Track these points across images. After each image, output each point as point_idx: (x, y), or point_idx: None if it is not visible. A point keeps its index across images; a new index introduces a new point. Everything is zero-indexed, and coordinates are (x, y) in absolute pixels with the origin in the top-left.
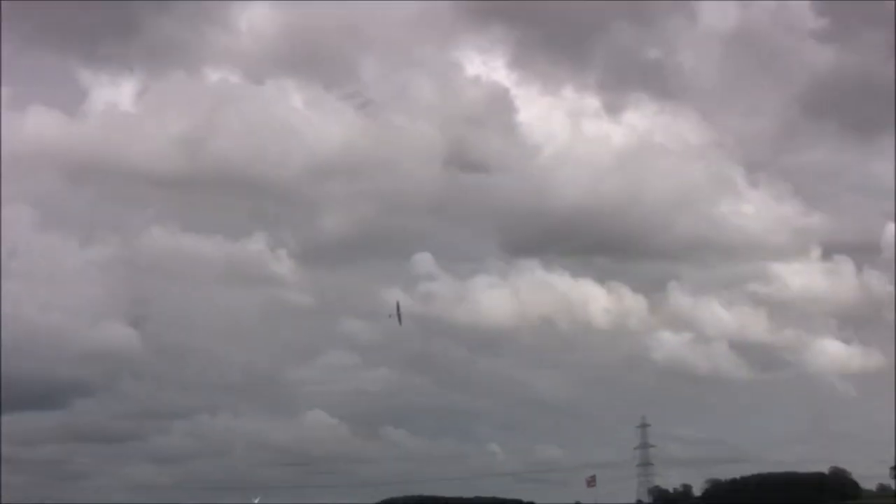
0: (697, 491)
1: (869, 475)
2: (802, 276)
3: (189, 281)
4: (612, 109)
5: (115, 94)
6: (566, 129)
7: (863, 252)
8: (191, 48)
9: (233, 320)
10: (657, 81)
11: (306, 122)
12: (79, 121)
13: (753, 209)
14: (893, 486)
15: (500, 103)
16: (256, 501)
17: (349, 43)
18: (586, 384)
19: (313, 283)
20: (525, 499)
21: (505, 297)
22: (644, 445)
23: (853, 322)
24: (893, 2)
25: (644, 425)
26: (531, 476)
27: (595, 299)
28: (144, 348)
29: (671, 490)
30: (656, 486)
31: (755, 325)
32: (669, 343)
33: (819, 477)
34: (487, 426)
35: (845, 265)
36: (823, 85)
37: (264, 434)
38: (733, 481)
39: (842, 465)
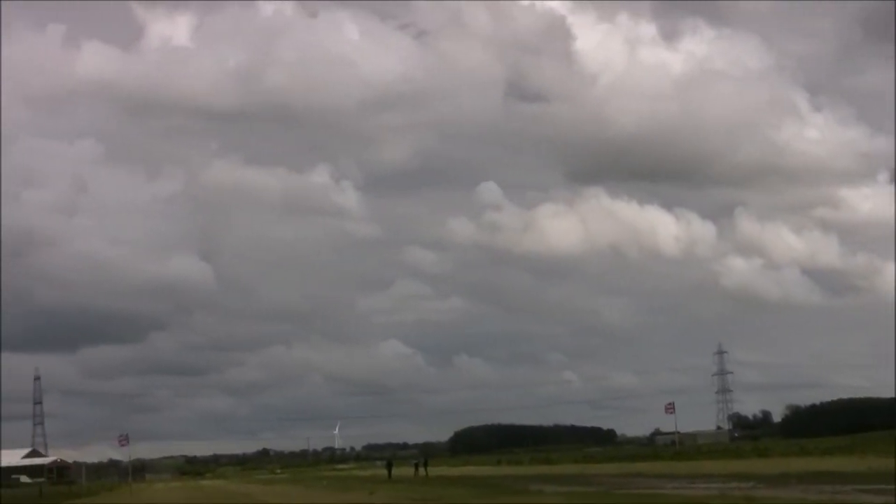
0: (777, 417)
1: None
2: (870, 201)
3: (254, 214)
4: (669, 36)
5: (170, 29)
6: (623, 56)
7: None
8: None
9: (301, 252)
10: (712, 6)
11: (362, 53)
12: (135, 56)
13: (818, 133)
14: None
15: (557, 31)
16: (336, 431)
17: None
18: (658, 312)
19: (378, 214)
20: (603, 426)
21: (571, 225)
22: (721, 372)
23: None
24: None
25: (721, 352)
26: (608, 403)
27: (663, 226)
28: (216, 281)
29: (750, 417)
30: (735, 413)
31: (825, 251)
32: (739, 269)
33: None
34: (561, 354)
35: None
36: (884, 4)
37: (339, 365)
38: (812, 406)
39: None
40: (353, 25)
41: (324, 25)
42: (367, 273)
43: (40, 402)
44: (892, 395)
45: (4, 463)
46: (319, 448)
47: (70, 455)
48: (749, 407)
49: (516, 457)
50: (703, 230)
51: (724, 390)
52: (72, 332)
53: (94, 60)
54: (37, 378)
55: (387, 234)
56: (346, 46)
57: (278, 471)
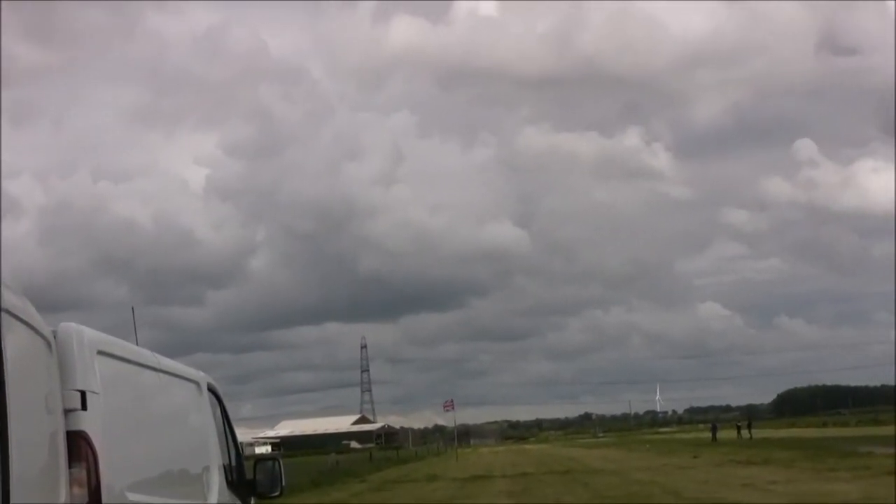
0: None
1: None
2: None
3: (568, 178)
4: None
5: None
6: None
7: None
8: None
9: (615, 216)
10: None
11: (670, 12)
12: (443, 27)
13: None
14: None
15: None
16: (657, 396)
17: None
18: None
19: (691, 175)
20: None
21: (891, 180)
22: None
23: None
24: None
25: None
26: None
27: None
28: (533, 246)
29: None
30: None
31: None
32: None
33: None
34: (887, 312)
35: None
36: None
37: (658, 327)
38: None
39: None
40: None
41: None
42: (683, 235)
43: (367, 370)
44: None
45: (335, 429)
46: (641, 412)
47: (397, 421)
48: None
49: (843, 418)
50: None
51: None
52: (395, 300)
53: (405, 32)
54: (363, 346)
55: (700, 195)
56: (653, 7)
57: (600, 435)
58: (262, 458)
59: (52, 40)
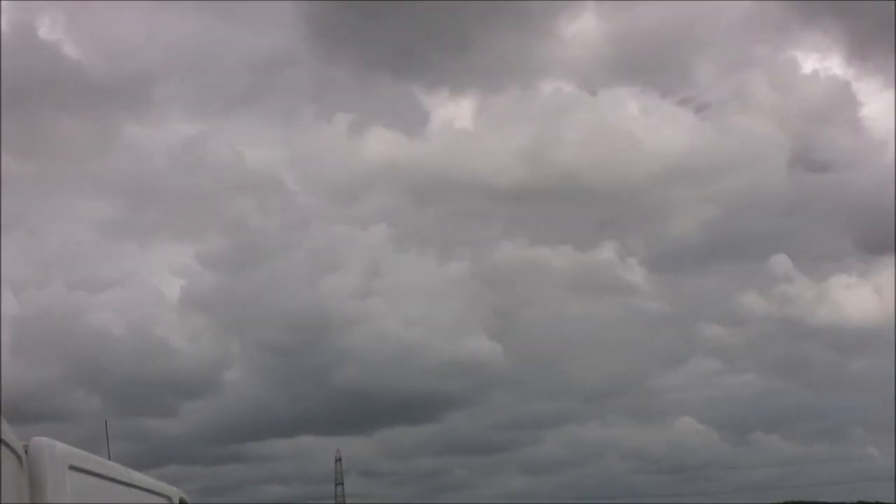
0: None
1: None
2: None
3: (543, 292)
4: None
5: (452, 113)
6: None
7: None
8: (522, 62)
9: (590, 330)
10: None
11: (645, 129)
12: (419, 141)
13: None
14: None
15: (842, 99)
16: None
17: (680, 47)
18: None
19: (667, 290)
20: None
21: (867, 295)
22: None
23: None
24: None
25: None
26: None
27: None
28: (508, 360)
29: None
30: None
31: None
32: None
33: None
34: (863, 429)
35: None
36: None
37: (634, 442)
38: None
39: None
40: (633, 102)
41: (604, 102)
42: (659, 349)
43: (341, 484)
44: None
45: None
46: None
47: None
48: None
49: None
50: None
51: None
52: (370, 413)
53: (381, 146)
54: (338, 460)
55: (676, 310)
56: (628, 122)
57: None
58: None
59: (29, 150)
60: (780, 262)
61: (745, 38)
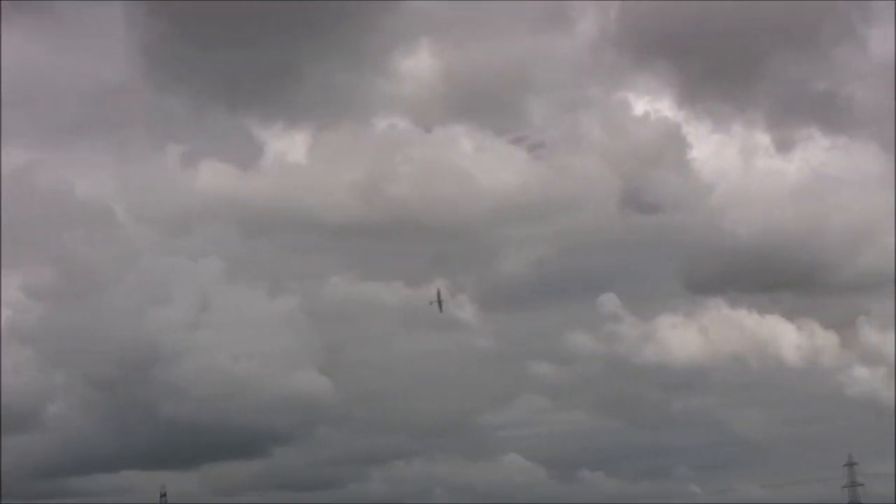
0: None
1: None
2: None
3: (373, 328)
4: (783, 146)
5: (286, 147)
6: (738, 166)
7: None
8: (356, 97)
9: (419, 366)
10: (828, 114)
11: (478, 167)
12: (253, 174)
13: None
14: None
15: (672, 141)
16: None
17: (514, 86)
18: (783, 423)
19: (497, 328)
20: None
21: (693, 335)
22: (852, 484)
23: None
24: None
25: (851, 463)
26: None
27: (785, 336)
28: (338, 395)
29: None
30: None
31: None
32: (865, 379)
33: None
34: (686, 466)
35: None
36: None
37: (461, 478)
38: None
39: None
40: (468, 140)
41: (438, 139)
42: (488, 386)
43: None
44: None
45: None
46: None
47: None
48: None
49: None
50: (825, 340)
51: (855, 503)
52: (197, 447)
53: (214, 179)
54: (163, 495)
55: (505, 347)
56: (462, 160)
57: None
58: None
59: None
60: (609, 301)
61: (579, 80)
